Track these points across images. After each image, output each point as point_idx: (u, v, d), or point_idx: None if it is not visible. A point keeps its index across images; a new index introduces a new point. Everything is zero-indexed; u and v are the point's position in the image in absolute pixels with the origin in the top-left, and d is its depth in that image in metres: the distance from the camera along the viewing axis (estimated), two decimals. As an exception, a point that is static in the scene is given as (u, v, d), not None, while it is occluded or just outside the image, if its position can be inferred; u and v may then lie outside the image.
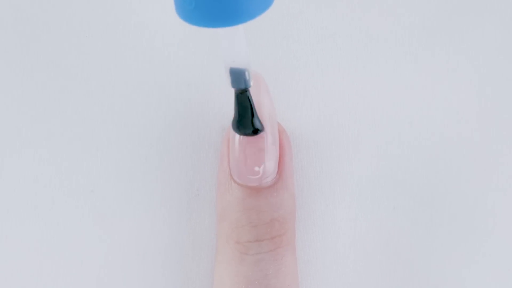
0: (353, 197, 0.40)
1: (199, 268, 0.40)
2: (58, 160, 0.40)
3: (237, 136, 0.37)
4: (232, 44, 0.32)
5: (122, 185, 0.40)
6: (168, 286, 0.40)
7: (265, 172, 0.37)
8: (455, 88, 0.40)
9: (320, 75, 0.40)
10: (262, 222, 0.37)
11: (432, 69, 0.40)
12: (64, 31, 0.40)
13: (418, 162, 0.40)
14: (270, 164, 0.37)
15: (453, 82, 0.40)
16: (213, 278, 0.39)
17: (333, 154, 0.40)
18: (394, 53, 0.40)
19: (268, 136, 0.37)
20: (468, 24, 0.40)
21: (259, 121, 0.36)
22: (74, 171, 0.40)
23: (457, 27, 0.40)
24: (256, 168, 0.37)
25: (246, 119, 0.35)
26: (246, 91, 0.34)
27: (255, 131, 0.36)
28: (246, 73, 0.33)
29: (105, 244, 0.40)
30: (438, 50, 0.40)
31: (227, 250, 0.37)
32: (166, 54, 0.40)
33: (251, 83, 0.34)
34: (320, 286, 0.40)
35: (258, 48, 0.40)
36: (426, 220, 0.40)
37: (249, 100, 0.35)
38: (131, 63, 0.40)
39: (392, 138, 0.40)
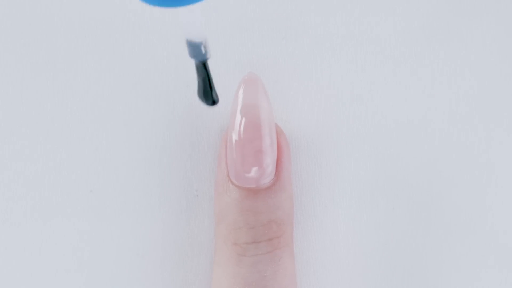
0: (352, 198, 0.40)
1: (197, 269, 0.40)
2: (58, 160, 0.40)
3: (235, 137, 0.37)
4: (191, 20, 0.33)
5: (122, 185, 0.40)
6: (167, 287, 0.40)
7: (262, 174, 0.37)
8: (455, 88, 0.40)
9: (319, 76, 0.40)
10: (260, 224, 0.37)
11: (431, 69, 0.40)
12: (64, 31, 0.40)
13: (417, 163, 0.40)
14: (267, 166, 0.37)
15: (452, 82, 0.40)
16: (211, 279, 0.39)
17: (332, 155, 0.40)
18: (393, 53, 0.40)
19: (266, 137, 0.37)
20: (468, 24, 0.40)
21: (216, 93, 0.35)
22: (73, 172, 0.40)
23: (457, 27, 0.40)
24: (254, 170, 0.37)
25: (206, 90, 0.35)
26: (204, 63, 0.34)
27: (212, 103, 0.36)
28: (202, 47, 0.34)
29: (104, 244, 0.40)
30: (438, 50, 0.40)
31: (225, 252, 0.37)
32: (165, 55, 0.40)
33: (208, 56, 0.34)
34: (319, 287, 0.40)
35: (257, 49, 0.40)
36: (425, 221, 0.40)
37: (206, 72, 0.35)
38: (130, 63, 0.40)
39: (391, 138, 0.40)
